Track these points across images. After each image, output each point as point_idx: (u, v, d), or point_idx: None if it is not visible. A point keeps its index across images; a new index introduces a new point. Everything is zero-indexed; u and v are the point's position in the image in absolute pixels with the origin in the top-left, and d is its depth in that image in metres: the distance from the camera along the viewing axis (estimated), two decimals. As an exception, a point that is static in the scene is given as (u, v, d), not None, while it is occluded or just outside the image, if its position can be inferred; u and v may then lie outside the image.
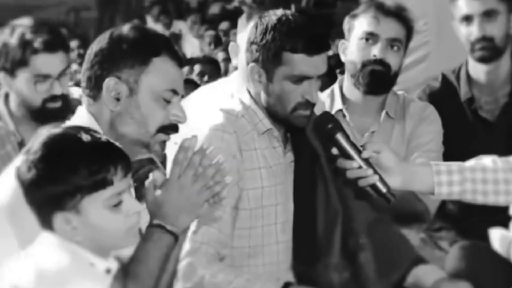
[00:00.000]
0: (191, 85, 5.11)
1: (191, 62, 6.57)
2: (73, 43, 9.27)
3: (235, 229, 2.51)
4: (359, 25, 3.13)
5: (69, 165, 1.91)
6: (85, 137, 1.95)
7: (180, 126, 2.35)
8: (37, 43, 2.95)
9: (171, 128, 2.30)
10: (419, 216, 3.17)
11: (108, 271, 1.97)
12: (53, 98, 2.98)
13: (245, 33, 2.82)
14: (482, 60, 3.29)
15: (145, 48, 2.25)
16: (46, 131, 1.99)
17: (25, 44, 2.94)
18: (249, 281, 2.38)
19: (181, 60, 2.32)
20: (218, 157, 2.20)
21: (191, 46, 10.07)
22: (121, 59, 2.23)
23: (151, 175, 2.26)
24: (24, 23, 3.01)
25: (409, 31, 3.15)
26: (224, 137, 2.49)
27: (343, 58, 3.17)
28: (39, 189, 1.91)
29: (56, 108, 2.99)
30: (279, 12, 2.51)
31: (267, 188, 2.53)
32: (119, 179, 1.95)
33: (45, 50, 2.96)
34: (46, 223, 1.95)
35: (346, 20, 3.19)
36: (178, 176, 2.18)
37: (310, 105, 2.50)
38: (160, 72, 2.25)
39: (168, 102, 2.27)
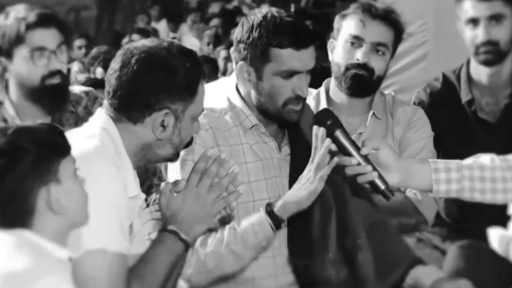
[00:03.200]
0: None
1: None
2: (79, 42, 9.29)
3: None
4: (346, 26, 3.11)
5: (36, 136, 1.95)
6: (29, 122, 2.01)
7: None
8: (32, 17, 2.98)
9: (191, 142, 2.34)
10: (418, 227, 3.18)
11: (70, 259, 1.97)
12: (52, 74, 2.99)
13: None
14: (485, 63, 3.28)
15: (195, 80, 2.26)
16: None
17: (20, 21, 2.97)
18: (234, 229, 2.43)
19: (205, 74, 2.34)
20: (234, 167, 2.21)
21: (191, 46, 10.06)
22: (176, 92, 2.23)
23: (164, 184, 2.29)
24: (18, 7, 3.05)
25: (398, 34, 3.13)
26: (200, 133, 2.50)
27: (330, 57, 3.16)
28: (17, 169, 1.92)
29: (55, 85, 2.99)
30: (264, 9, 2.52)
31: (256, 182, 2.55)
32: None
33: (40, 25, 2.98)
34: (13, 218, 1.94)
35: (336, 19, 3.17)
36: (196, 185, 2.21)
37: (301, 99, 2.51)
38: (200, 98, 2.29)
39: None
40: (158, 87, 2.22)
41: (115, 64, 2.25)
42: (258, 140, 2.58)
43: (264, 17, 2.49)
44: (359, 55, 3.06)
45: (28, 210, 1.94)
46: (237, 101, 2.58)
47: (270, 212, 2.44)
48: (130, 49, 2.25)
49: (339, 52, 3.12)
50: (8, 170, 1.93)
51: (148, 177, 3.04)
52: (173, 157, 2.32)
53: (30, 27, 2.97)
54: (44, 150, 1.94)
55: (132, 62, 2.22)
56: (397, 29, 3.12)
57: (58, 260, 1.94)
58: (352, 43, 3.08)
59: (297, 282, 2.56)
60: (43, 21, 2.99)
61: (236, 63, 2.54)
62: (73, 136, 2.11)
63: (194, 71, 2.26)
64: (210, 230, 2.47)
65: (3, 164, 1.93)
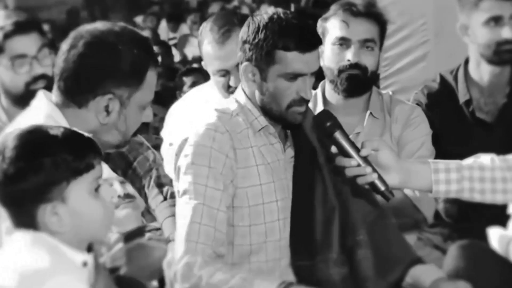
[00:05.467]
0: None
1: (184, 72, 6.55)
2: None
3: (234, 227, 2.51)
4: (330, 29, 3.12)
5: (51, 154, 1.91)
6: (56, 129, 1.97)
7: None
8: (9, 26, 2.98)
9: (140, 129, 2.36)
10: (417, 225, 3.18)
11: (84, 264, 1.97)
12: (35, 79, 2.99)
13: None
14: (503, 62, 3.28)
15: (143, 67, 2.26)
16: (11, 131, 1.98)
17: None
18: (245, 280, 2.38)
19: (158, 62, 2.34)
20: None
21: (192, 47, 10.06)
22: (121, 77, 2.23)
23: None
24: None
25: (382, 27, 3.14)
26: (216, 136, 2.49)
27: (321, 62, 3.16)
28: (22, 184, 1.90)
29: (40, 89, 2.99)
30: (271, 10, 2.51)
31: (265, 185, 2.53)
32: (97, 163, 1.98)
33: (18, 32, 2.99)
34: (27, 221, 1.94)
35: (319, 23, 3.17)
36: None
37: (304, 101, 2.51)
38: (148, 86, 2.29)
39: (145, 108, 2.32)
40: (102, 70, 2.22)
41: (64, 46, 2.26)
42: (265, 142, 2.57)
43: (270, 18, 2.48)
44: (349, 56, 3.07)
45: (30, 219, 1.94)
46: (246, 102, 2.57)
47: None
48: (81, 32, 2.27)
49: (328, 56, 3.13)
50: (12, 181, 1.91)
51: (151, 166, 3.03)
52: (122, 144, 2.33)
53: (8, 36, 2.98)
54: (56, 170, 1.91)
55: (79, 44, 2.23)
56: (380, 22, 3.13)
57: (72, 262, 1.95)
58: (340, 45, 3.09)
59: (299, 283, 2.54)
60: (21, 28, 2.99)
61: (241, 63, 2.54)
62: (16, 127, 2.06)
63: (142, 58, 2.25)
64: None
65: (10, 173, 1.91)
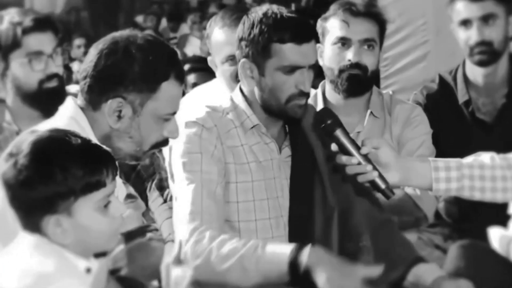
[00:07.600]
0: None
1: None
2: (78, 41, 9.27)
3: (225, 222, 2.51)
4: (330, 29, 3.13)
5: (63, 167, 1.89)
6: (74, 140, 1.94)
7: (179, 127, 2.38)
8: (27, 22, 2.97)
9: (163, 143, 2.34)
10: (418, 223, 3.18)
11: (88, 270, 1.96)
12: (49, 78, 2.99)
13: None
14: (480, 64, 3.29)
15: (156, 74, 2.25)
16: (28, 134, 1.97)
17: (15, 26, 2.97)
18: (257, 248, 2.34)
19: (184, 77, 2.34)
20: None
21: (192, 46, 10.07)
22: (131, 82, 2.23)
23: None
24: (11, 11, 3.05)
25: (382, 26, 3.15)
26: (203, 129, 2.51)
27: (320, 62, 3.16)
28: (30, 192, 1.89)
29: (53, 88, 2.99)
30: (265, 7, 2.53)
31: (257, 182, 2.54)
32: (110, 180, 1.96)
33: (36, 29, 2.98)
34: (32, 226, 1.93)
35: (319, 23, 3.18)
36: None
37: (304, 94, 2.51)
38: (166, 98, 2.28)
39: (166, 121, 2.31)
40: (112, 72, 2.23)
41: (92, 50, 2.28)
42: (258, 140, 2.58)
43: (265, 13, 2.50)
44: (350, 56, 3.08)
45: (36, 225, 1.93)
46: (240, 101, 2.58)
47: (295, 257, 2.32)
48: (108, 37, 2.29)
49: (328, 56, 3.13)
50: (20, 187, 1.90)
51: (155, 170, 3.03)
52: (138, 154, 2.32)
53: (26, 31, 2.97)
54: (65, 185, 1.90)
55: (99, 47, 2.26)
56: (380, 22, 3.14)
57: (76, 267, 1.95)
58: (341, 45, 3.09)
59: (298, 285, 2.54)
60: (39, 25, 2.99)
61: (238, 61, 2.55)
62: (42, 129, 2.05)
63: (157, 66, 2.25)
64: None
65: (20, 180, 1.90)
